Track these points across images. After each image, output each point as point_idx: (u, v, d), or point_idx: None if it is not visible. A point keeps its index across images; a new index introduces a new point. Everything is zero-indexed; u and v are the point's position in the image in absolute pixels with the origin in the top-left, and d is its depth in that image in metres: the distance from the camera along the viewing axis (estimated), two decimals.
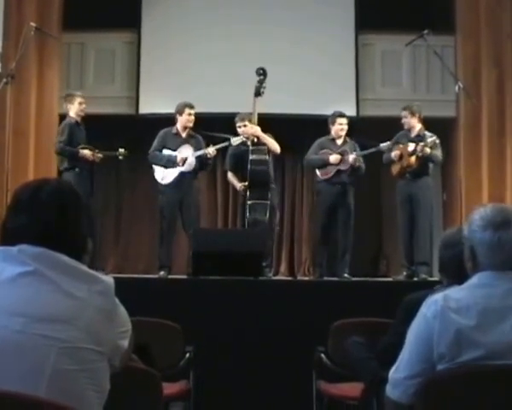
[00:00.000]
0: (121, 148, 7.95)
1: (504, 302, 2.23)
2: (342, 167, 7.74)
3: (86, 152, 7.61)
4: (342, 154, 7.76)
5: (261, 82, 7.54)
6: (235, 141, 7.61)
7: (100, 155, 7.76)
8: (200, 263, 6.48)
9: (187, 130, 7.75)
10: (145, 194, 10.27)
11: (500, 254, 2.27)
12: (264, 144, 7.53)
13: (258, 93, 7.51)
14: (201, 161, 7.66)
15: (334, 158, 7.76)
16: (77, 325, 1.88)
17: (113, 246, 10.38)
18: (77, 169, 7.59)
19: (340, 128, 7.88)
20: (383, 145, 7.77)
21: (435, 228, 8.42)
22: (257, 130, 7.53)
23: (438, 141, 7.47)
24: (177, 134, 7.76)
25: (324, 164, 7.84)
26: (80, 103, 7.76)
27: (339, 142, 7.90)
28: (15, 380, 1.79)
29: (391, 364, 2.41)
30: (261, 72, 7.59)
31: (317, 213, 8.27)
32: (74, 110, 7.74)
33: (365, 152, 7.90)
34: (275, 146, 7.63)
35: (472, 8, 9.09)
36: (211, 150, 7.56)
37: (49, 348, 1.83)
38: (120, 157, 8.00)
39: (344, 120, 7.90)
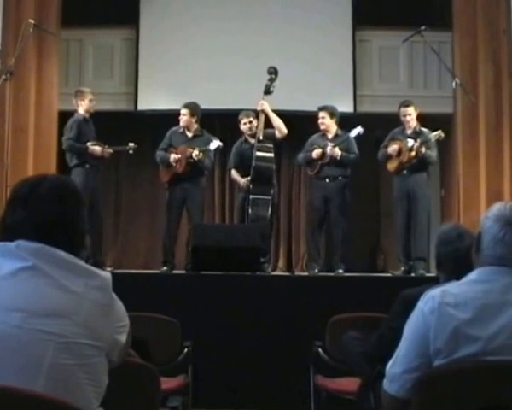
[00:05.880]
0: (131, 142, 7.95)
1: (503, 297, 2.23)
2: (325, 160, 7.68)
3: (96, 148, 7.64)
4: (323, 147, 7.68)
5: (272, 81, 7.62)
6: (213, 145, 7.55)
7: (109, 151, 7.80)
8: (199, 258, 6.51)
9: (192, 129, 7.76)
10: (144, 190, 10.31)
11: (501, 248, 2.27)
12: (270, 143, 7.56)
13: (267, 91, 7.60)
14: (193, 162, 7.59)
15: (315, 153, 7.72)
16: (74, 320, 1.89)
17: (112, 241, 10.39)
18: (87, 165, 7.63)
19: (320, 122, 7.84)
20: (354, 132, 7.64)
21: (433, 224, 8.43)
22: (266, 106, 7.57)
23: (433, 140, 7.48)
24: (183, 133, 7.78)
25: (310, 160, 7.83)
26: (91, 100, 7.80)
27: (330, 136, 7.82)
28: (13, 375, 1.81)
29: (385, 358, 2.43)
30: (272, 70, 7.65)
31: (310, 209, 8.29)
32: (85, 107, 7.77)
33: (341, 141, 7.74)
34: (281, 126, 7.63)
35: (469, 5, 9.09)
36: (194, 153, 7.52)
37: (47, 343, 1.85)
38: (130, 151, 7.98)
39: (322, 114, 7.83)
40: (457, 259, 3.15)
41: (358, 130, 7.61)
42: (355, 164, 7.80)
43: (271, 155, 7.53)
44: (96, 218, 7.76)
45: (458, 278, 2.41)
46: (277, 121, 7.63)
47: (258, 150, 7.48)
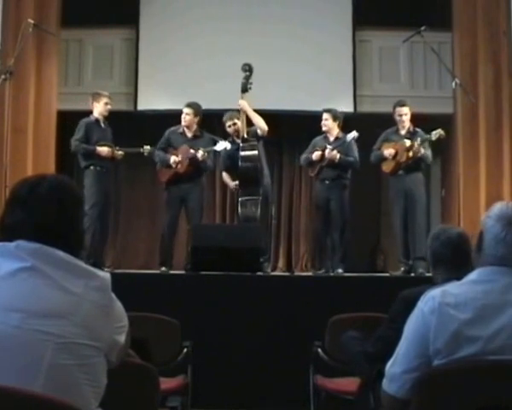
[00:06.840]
0: (146, 145, 7.86)
1: (503, 297, 2.22)
2: (323, 163, 7.70)
3: (103, 149, 7.59)
4: (323, 150, 7.69)
5: (247, 78, 7.55)
6: (219, 146, 7.55)
7: (121, 153, 7.77)
8: (198, 258, 6.51)
9: (193, 129, 7.75)
10: (143, 190, 10.30)
11: (502, 248, 2.27)
12: (254, 140, 7.53)
13: (245, 89, 7.54)
14: (196, 162, 7.61)
15: (314, 155, 7.75)
16: (73, 321, 1.89)
17: (111, 241, 10.38)
18: (98, 167, 7.59)
19: (323, 123, 7.83)
20: (349, 136, 7.62)
21: (434, 224, 8.42)
22: (244, 105, 7.53)
23: (434, 139, 7.48)
24: (183, 133, 7.77)
25: (310, 162, 7.86)
26: (106, 104, 7.76)
27: (331, 138, 7.84)
28: (12, 375, 1.80)
29: (385, 358, 2.43)
30: (247, 68, 7.59)
31: (313, 210, 8.36)
32: (99, 109, 7.74)
33: (337, 144, 7.73)
34: (261, 124, 7.56)
35: (469, 5, 9.10)
36: (200, 153, 7.52)
37: (46, 344, 1.84)
38: (145, 154, 7.90)
39: (325, 115, 7.83)
40: (454, 247, 3.16)
41: (353, 134, 7.58)
42: (354, 167, 7.80)
43: (255, 152, 7.48)
44: (105, 219, 7.76)
45: (458, 277, 2.42)
46: (256, 119, 7.58)
47: (242, 150, 7.47)
